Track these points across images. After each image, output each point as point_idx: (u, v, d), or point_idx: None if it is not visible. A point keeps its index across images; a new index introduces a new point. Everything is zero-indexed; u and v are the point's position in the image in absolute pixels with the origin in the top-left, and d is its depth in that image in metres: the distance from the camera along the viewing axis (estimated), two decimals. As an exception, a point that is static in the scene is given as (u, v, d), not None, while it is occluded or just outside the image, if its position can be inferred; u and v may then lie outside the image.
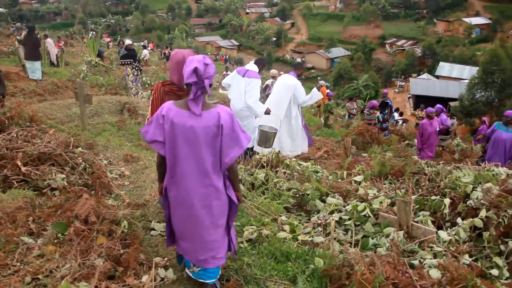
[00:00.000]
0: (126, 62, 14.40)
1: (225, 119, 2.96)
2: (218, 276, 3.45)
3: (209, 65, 2.93)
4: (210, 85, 3.01)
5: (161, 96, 4.09)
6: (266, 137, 7.48)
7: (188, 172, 3.02)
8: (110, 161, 6.74)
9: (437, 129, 9.62)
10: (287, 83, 8.14)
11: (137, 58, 14.75)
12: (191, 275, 3.45)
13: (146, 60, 22.56)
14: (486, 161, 7.53)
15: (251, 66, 7.66)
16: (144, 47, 28.28)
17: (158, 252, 4.06)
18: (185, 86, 3.02)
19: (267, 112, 7.52)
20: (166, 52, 30.84)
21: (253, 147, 7.89)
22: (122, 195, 5.38)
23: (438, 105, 12.50)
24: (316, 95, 8.49)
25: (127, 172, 6.35)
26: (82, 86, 8.43)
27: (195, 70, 2.86)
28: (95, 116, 9.93)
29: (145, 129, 3.08)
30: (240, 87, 7.40)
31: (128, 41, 16.26)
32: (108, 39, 43.90)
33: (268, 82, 14.26)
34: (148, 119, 4.20)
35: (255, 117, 7.72)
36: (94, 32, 45.21)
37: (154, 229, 4.45)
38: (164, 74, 18.21)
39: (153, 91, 4.17)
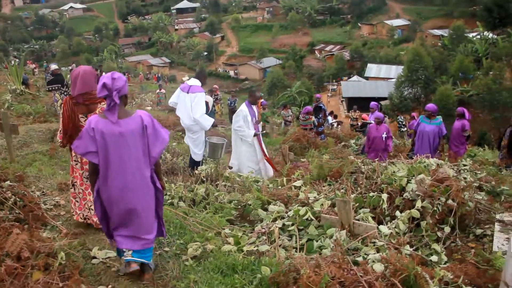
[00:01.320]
0: (53, 88, 13.87)
1: (147, 120, 3.50)
2: (151, 259, 3.87)
3: (116, 79, 3.34)
4: (126, 96, 3.51)
5: (71, 108, 4.47)
6: (214, 148, 7.78)
7: (122, 172, 3.46)
8: (43, 192, 6.42)
9: (384, 135, 9.75)
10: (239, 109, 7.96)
11: (65, 83, 14.24)
12: (126, 262, 3.75)
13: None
14: (416, 154, 7.87)
15: (193, 81, 7.82)
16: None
17: (100, 280, 3.89)
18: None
19: (215, 124, 7.86)
20: (97, 74, 30.07)
21: (202, 161, 8.05)
22: (59, 225, 5.14)
23: (373, 103, 12.95)
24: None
25: (62, 201, 6.07)
26: (7, 116, 8.03)
27: (104, 85, 3.29)
28: (24, 147, 9.48)
29: (76, 144, 3.44)
30: (186, 103, 7.62)
31: (54, 66, 15.66)
32: (33, 66, 42.20)
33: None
34: (60, 131, 4.62)
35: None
36: (17, 59, 43.32)
37: (95, 257, 4.27)
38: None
39: (62, 105, 4.51)
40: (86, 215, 4.91)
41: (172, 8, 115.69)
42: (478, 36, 49.45)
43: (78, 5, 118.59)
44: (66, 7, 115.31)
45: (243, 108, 7.85)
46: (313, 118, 13.77)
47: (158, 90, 21.80)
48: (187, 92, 7.66)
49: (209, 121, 7.69)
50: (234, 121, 7.87)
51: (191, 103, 7.56)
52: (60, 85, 13.79)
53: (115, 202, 3.54)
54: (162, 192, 3.80)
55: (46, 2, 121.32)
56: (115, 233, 3.69)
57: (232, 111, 18.14)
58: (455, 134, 10.00)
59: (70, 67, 34.88)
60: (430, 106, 9.52)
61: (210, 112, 14.34)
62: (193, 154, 8.01)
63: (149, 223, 3.71)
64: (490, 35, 48.33)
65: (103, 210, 3.64)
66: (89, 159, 3.45)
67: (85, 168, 4.65)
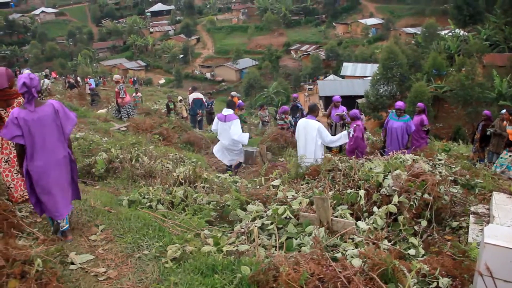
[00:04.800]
0: (26, 94, 13.62)
1: (57, 106, 4.48)
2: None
3: (33, 79, 4.28)
4: (39, 92, 4.50)
5: None
6: (249, 156, 9.28)
7: (43, 150, 4.38)
8: (18, 200, 6.30)
9: (352, 134, 9.86)
10: (311, 126, 8.16)
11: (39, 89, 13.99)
12: (62, 228, 4.68)
13: (48, 89, 21.51)
14: (387, 150, 8.00)
15: (227, 111, 9.29)
16: (46, 76, 26.95)
17: (79, 286, 3.85)
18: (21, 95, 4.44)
19: (250, 137, 9.48)
20: (71, 80, 29.50)
21: (241, 163, 9.73)
22: (35, 232, 5.05)
23: (336, 96, 12.85)
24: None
25: (38, 208, 5.97)
26: (-22, 124, 7.86)
27: (24, 84, 4.19)
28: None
29: (3, 133, 4.31)
30: (225, 130, 9.22)
31: (27, 71, 15.39)
32: (5, 72, 41.26)
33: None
34: None
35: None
36: (-12, 66, 42.29)
37: (73, 263, 4.21)
38: (70, 102, 17.45)
39: None
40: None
41: (146, 11, 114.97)
42: (450, 34, 50.32)
43: (50, 10, 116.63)
44: (37, 11, 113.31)
45: (319, 124, 8.17)
46: (289, 118, 13.81)
47: (134, 94, 21.48)
48: (224, 121, 9.18)
49: (245, 137, 9.19)
50: (325, 137, 8.16)
51: (228, 129, 9.10)
52: (33, 91, 13.55)
53: (43, 174, 4.41)
54: (75, 162, 4.79)
55: (16, 6, 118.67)
56: (48, 206, 4.53)
57: (209, 112, 18.08)
58: (415, 129, 10.20)
59: (43, 72, 34.29)
60: (399, 103, 9.77)
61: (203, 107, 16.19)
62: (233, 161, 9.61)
63: (69, 191, 4.69)
64: (461, 32, 49.21)
65: (31, 184, 4.46)
66: (17, 142, 4.33)
67: (4, 153, 5.44)
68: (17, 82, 4.30)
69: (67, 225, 4.72)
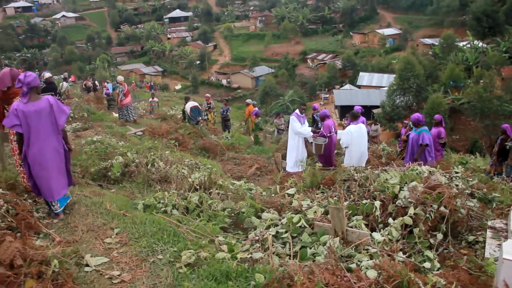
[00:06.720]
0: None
1: (52, 101, 5.15)
2: (69, 200, 5.59)
3: (27, 76, 5.01)
4: (36, 87, 5.12)
5: None
6: (317, 147, 9.74)
7: (39, 138, 5.04)
8: (35, 200, 6.38)
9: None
10: (365, 131, 9.52)
11: (58, 91, 14.18)
12: (55, 211, 5.36)
13: (67, 92, 21.76)
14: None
15: (296, 110, 10.62)
16: (65, 79, 27.21)
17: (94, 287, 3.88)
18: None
19: (313, 131, 10.51)
20: (89, 83, 29.74)
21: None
22: (52, 233, 5.11)
23: (357, 107, 12.89)
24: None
25: (56, 209, 6.03)
26: (-2, 125, 7.96)
27: (19, 80, 4.99)
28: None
29: (5, 121, 5.08)
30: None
31: (47, 74, 15.51)
32: (25, 75, 41.76)
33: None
34: None
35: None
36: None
37: (88, 265, 4.25)
38: (88, 105, 17.59)
39: None
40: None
41: (164, 17, 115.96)
42: (468, 45, 49.88)
43: (71, 14, 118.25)
44: (58, 15, 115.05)
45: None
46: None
47: (150, 99, 21.68)
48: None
49: (306, 131, 10.12)
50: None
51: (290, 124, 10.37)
52: (53, 93, 13.73)
53: (38, 160, 5.06)
54: (69, 152, 5.49)
55: (38, 11, 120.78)
56: (42, 188, 5.20)
57: (225, 119, 18.12)
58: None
59: (62, 76, 34.60)
60: (413, 115, 9.70)
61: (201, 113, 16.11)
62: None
63: (63, 176, 5.35)
64: (480, 44, 48.76)
65: (29, 169, 5.14)
66: (15, 130, 5.05)
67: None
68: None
69: (61, 208, 5.40)
